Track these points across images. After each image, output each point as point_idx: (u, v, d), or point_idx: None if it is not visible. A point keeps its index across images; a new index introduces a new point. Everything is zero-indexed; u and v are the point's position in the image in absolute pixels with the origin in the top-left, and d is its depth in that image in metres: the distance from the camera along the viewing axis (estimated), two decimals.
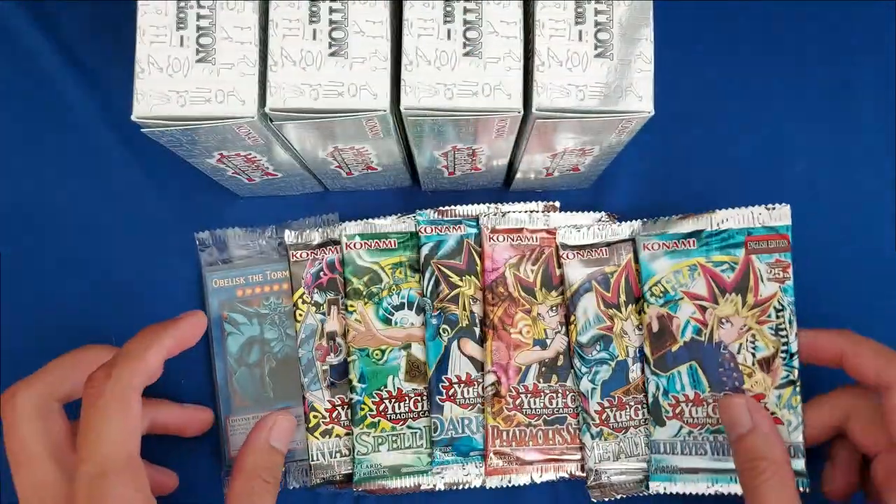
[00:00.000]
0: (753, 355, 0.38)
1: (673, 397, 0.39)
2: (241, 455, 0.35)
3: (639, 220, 0.41)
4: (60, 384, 0.34)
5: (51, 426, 0.33)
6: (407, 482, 0.39)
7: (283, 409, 0.38)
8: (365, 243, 0.41)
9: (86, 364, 0.34)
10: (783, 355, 0.38)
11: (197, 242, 0.41)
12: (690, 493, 0.38)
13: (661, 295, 0.39)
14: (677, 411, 0.39)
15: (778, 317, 0.38)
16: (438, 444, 0.39)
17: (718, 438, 0.38)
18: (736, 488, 0.38)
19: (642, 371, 0.40)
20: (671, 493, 0.38)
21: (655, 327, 0.39)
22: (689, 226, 0.40)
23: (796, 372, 0.37)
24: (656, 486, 0.39)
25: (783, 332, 0.38)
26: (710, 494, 0.38)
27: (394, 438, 0.40)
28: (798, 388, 0.37)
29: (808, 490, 0.36)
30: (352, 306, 0.40)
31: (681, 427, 0.39)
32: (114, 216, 0.42)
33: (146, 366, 0.32)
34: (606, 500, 0.39)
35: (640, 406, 0.40)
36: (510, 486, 0.40)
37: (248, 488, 0.34)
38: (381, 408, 0.40)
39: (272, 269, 0.41)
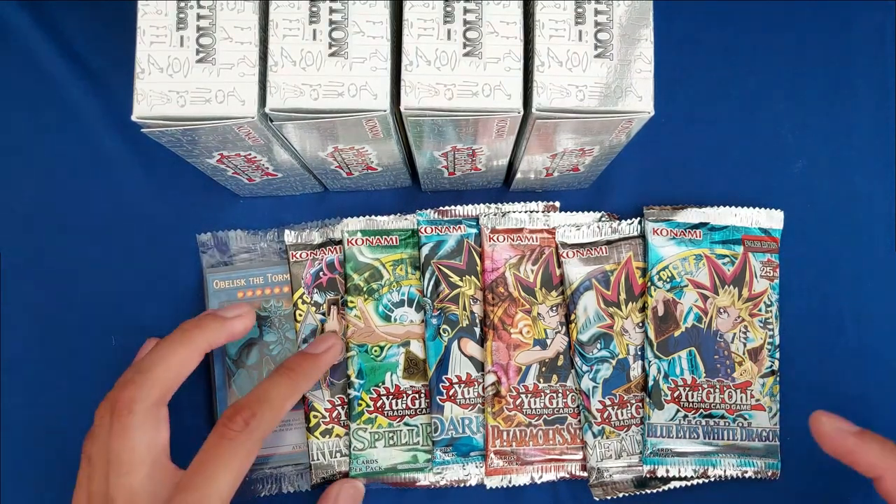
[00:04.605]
0: (744, 345, 0.40)
1: (672, 381, 0.40)
2: None
3: (644, 206, 0.42)
4: (172, 389, 0.34)
5: (160, 437, 0.33)
6: (402, 479, 0.39)
7: (349, 479, 0.39)
8: (366, 239, 0.41)
9: (190, 364, 0.34)
10: (769, 347, 0.40)
11: (198, 244, 0.41)
12: (679, 475, 0.39)
13: (668, 280, 0.40)
14: (675, 395, 0.40)
15: (767, 311, 0.40)
16: (439, 444, 0.39)
17: (710, 422, 0.39)
18: (720, 470, 0.39)
19: (643, 362, 0.40)
20: (661, 476, 0.39)
21: (661, 311, 0.40)
22: (695, 216, 0.41)
23: (777, 363, 0.40)
24: (648, 469, 0.39)
25: (770, 326, 0.40)
26: (697, 476, 0.39)
27: (390, 435, 0.40)
28: (777, 378, 0.40)
29: (778, 473, 0.39)
30: (352, 302, 0.40)
31: (677, 411, 0.39)
32: (114, 216, 0.42)
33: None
34: (608, 498, 0.39)
35: (640, 404, 0.40)
36: (510, 486, 0.40)
37: None
38: (379, 404, 0.40)
39: (273, 271, 0.41)
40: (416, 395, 0.40)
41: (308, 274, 0.41)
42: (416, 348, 0.40)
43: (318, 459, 0.39)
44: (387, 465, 0.39)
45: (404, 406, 0.40)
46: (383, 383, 0.40)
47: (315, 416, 0.40)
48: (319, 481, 0.39)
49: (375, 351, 0.40)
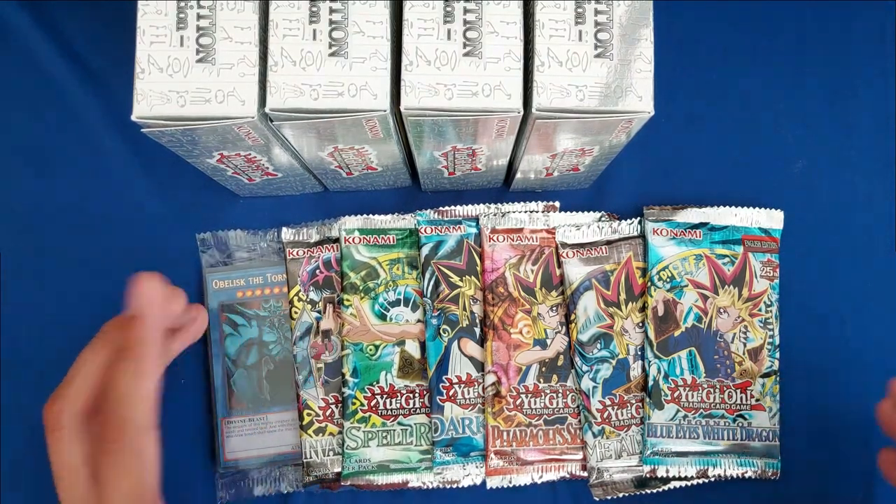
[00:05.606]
0: (744, 345, 0.40)
1: (672, 381, 0.40)
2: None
3: (644, 206, 0.42)
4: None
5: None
6: (395, 478, 0.39)
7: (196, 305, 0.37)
8: (364, 238, 0.41)
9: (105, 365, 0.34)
10: (769, 347, 0.40)
11: (198, 243, 0.41)
12: (679, 475, 0.39)
13: (668, 280, 0.40)
14: (675, 395, 0.40)
15: (767, 311, 0.41)
16: (439, 444, 0.39)
17: (710, 422, 0.39)
18: (720, 470, 0.39)
19: (643, 362, 0.40)
20: (661, 476, 0.39)
21: (661, 311, 0.40)
22: (695, 216, 0.41)
23: (777, 363, 0.40)
24: (648, 469, 0.39)
25: (770, 326, 0.40)
26: (697, 476, 0.39)
27: (384, 434, 0.40)
28: (777, 378, 0.40)
29: (778, 473, 0.40)
30: (348, 300, 0.40)
31: (677, 411, 0.39)
32: (114, 215, 0.42)
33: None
34: (608, 498, 0.39)
35: (640, 404, 0.40)
36: (510, 486, 0.40)
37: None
38: (373, 403, 0.40)
39: (273, 271, 0.41)
40: (411, 395, 0.40)
41: (304, 271, 0.41)
42: (412, 348, 0.40)
43: (311, 457, 0.39)
44: (379, 464, 0.39)
45: (398, 405, 0.40)
46: (378, 382, 0.40)
47: (309, 415, 0.40)
48: (312, 479, 0.39)
49: (370, 350, 0.40)
